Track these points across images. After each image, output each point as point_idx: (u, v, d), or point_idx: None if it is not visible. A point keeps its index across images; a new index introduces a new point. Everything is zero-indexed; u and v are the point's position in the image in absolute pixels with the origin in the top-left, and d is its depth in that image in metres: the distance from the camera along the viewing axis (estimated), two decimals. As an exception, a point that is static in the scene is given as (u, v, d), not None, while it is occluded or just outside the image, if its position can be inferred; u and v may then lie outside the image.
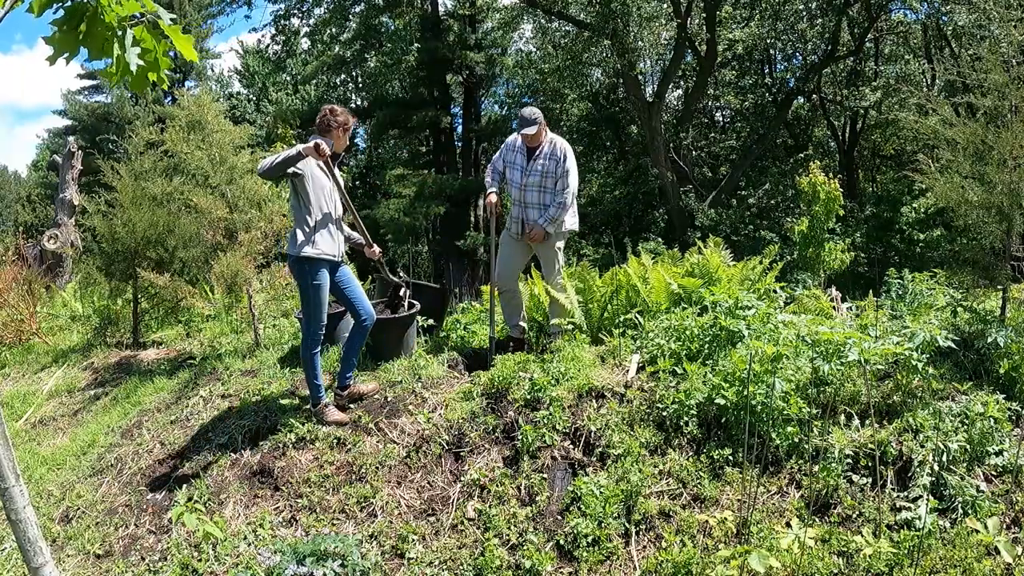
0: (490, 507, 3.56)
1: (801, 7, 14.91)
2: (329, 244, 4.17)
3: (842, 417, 3.59)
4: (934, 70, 15.45)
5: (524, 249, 5.07)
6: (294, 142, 11.33)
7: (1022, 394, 3.66)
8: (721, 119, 22.05)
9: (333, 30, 19.87)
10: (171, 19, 2.02)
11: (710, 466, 3.53)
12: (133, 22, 1.99)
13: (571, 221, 5.01)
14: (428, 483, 3.83)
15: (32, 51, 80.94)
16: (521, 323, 5.20)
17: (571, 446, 3.82)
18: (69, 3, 1.93)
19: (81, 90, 28.82)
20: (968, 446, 3.29)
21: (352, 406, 4.44)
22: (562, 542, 3.29)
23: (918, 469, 3.25)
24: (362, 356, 5.09)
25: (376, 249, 4.63)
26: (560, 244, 5.05)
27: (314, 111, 21.50)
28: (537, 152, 4.86)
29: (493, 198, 5.02)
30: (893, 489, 3.26)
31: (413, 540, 3.47)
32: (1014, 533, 3.02)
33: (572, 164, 4.85)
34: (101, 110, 27.28)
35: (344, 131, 4.23)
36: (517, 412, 4.07)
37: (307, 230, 4.08)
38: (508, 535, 3.38)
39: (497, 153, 5.17)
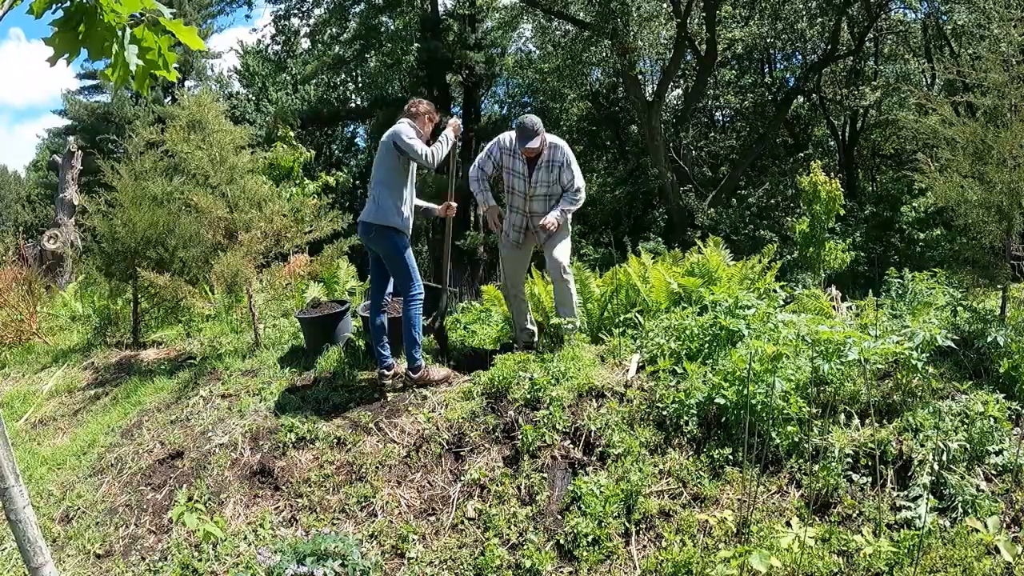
0: (490, 507, 3.56)
1: (801, 6, 14.90)
2: (412, 219, 4.58)
3: (842, 416, 3.59)
4: (934, 69, 15.46)
5: (527, 251, 5.02)
6: (294, 142, 11.32)
7: (1022, 393, 3.66)
8: (721, 119, 22.06)
9: (333, 30, 19.87)
10: (171, 13, 2.02)
11: (710, 465, 3.53)
12: (132, 22, 1.99)
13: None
14: (428, 483, 3.83)
15: (12, 45, 79.54)
16: (530, 326, 5.13)
17: (571, 446, 3.82)
18: (68, 3, 1.92)
19: (81, 90, 28.84)
20: (968, 445, 3.29)
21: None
22: (562, 541, 3.29)
23: (918, 468, 3.25)
24: (362, 356, 5.09)
25: (452, 203, 4.88)
26: (566, 224, 4.90)
27: (314, 111, 21.53)
28: (539, 160, 4.70)
29: (495, 210, 4.86)
30: (893, 488, 3.26)
31: (413, 540, 3.47)
32: (1014, 532, 3.02)
33: (576, 166, 4.75)
34: (101, 110, 27.25)
35: (430, 120, 4.64)
36: (517, 412, 4.07)
37: (402, 205, 4.46)
38: (508, 535, 3.39)
39: (483, 153, 4.95)
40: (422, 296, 4.53)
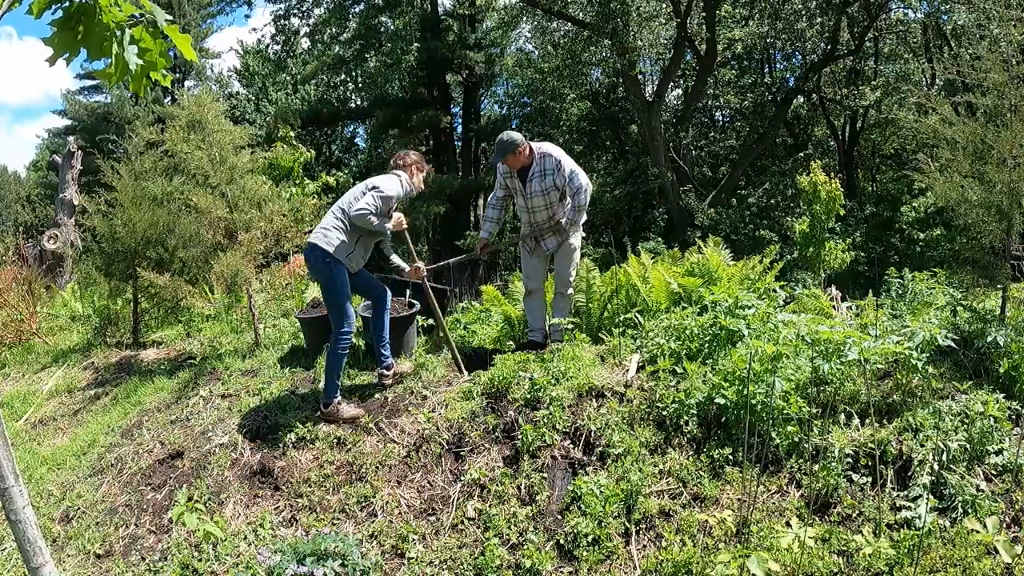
0: (490, 506, 3.56)
1: (800, 6, 14.87)
2: (360, 261, 4.43)
3: (842, 416, 3.59)
4: (934, 69, 15.45)
5: (541, 257, 5.11)
6: (294, 142, 11.32)
7: (1022, 393, 3.66)
8: (721, 118, 22.05)
9: (333, 30, 19.86)
10: (167, 19, 2.02)
11: (710, 465, 3.53)
12: (131, 22, 1.99)
13: (583, 216, 5.05)
14: (428, 483, 3.83)
15: (4, 44, 78.88)
16: (543, 327, 5.16)
17: (571, 446, 3.82)
18: (67, 3, 1.92)
19: (81, 90, 28.87)
20: (968, 445, 3.29)
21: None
22: (562, 541, 3.29)
23: (918, 468, 3.25)
24: (362, 356, 5.09)
25: (420, 266, 4.75)
26: (576, 242, 5.06)
27: (314, 111, 21.52)
28: (529, 173, 4.83)
29: (483, 242, 5.13)
30: (893, 488, 3.26)
31: (413, 540, 3.47)
32: (1014, 532, 3.02)
33: (570, 165, 4.80)
34: (101, 110, 27.28)
35: (419, 170, 4.60)
36: (517, 411, 4.07)
37: (354, 243, 4.32)
38: (508, 535, 3.39)
39: (496, 184, 5.12)
40: (351, 335, 4.35)
